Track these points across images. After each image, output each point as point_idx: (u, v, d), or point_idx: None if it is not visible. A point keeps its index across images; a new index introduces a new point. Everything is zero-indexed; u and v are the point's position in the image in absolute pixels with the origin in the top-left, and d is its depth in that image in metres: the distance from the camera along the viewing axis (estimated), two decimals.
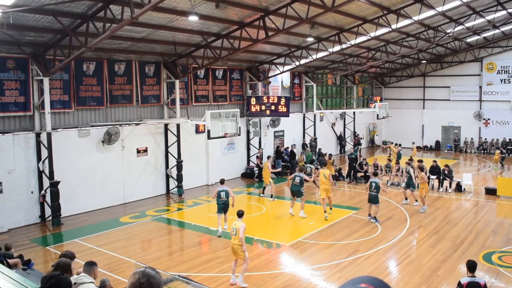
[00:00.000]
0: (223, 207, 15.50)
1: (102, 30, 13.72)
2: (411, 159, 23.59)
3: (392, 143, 31.03)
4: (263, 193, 21.81)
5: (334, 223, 16.82)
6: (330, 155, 25.78)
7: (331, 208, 18.13)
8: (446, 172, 22.29)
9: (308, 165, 20.66)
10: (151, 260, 13.06)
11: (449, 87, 37.34)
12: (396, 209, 18.85)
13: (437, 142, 38.04)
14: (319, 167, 21.15)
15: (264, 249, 14.47)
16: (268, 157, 24.09)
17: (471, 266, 8.63)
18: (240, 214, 11.61)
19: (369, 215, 17.16)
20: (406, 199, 19.87)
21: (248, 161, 27.04)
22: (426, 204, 18.62)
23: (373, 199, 16.98)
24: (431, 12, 20.00)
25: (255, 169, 25.79)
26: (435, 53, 33.90)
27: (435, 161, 23.19)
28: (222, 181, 16.13)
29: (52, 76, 16.90)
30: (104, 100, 19.23)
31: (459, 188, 22.04)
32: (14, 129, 16.60)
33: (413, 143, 32.44)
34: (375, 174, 18.48)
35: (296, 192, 17.84)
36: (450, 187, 22.19)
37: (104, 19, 13.54)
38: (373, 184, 17.07)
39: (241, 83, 26.45)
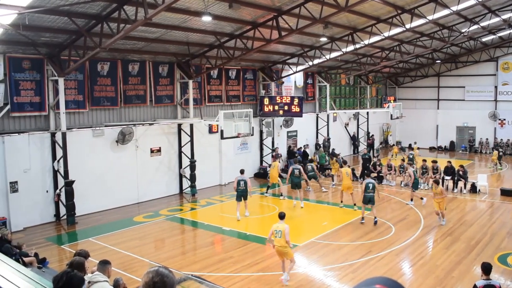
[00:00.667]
0: (241, 195, 17.46)
1: (116, 30, 13.81)
2: (411, 160, 23.56)
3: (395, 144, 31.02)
4: (266, 192, 21.96)
5: (347, 224, 16.76)
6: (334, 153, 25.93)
7: (354, 204, 18.62)
8: (460, 172, 22.07)
9: (296, 165, 20.04)
10: (164, 259, 13.12)
11: (464, 87, 36.97)
12: (410, 210, 18.71)
13: (452, 143, 37.70)
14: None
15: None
16: (273, 156, 24.28)
17: (487, 269, 8.49)
18: (282, 216, 11.53)
19: (363, 218, 16.88)
20: (412, 200, 19.73)
21: (261, 161, 27.04)
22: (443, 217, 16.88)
23: (372, 200, 16.66)
24: (445, 12, 19.81)
25: (268, 169, 25.70)
26: (449, 52, 33.57)
27: (449, 162, 22.99)
28: (242, 171, 18.03)
29: (67, 77, 17.06)
30: (118, 100, 19.36)
31: (474, 189, 21.82)
32: (30, 129, 16.78)
33: (415, 143, 32.43)
34: (368, 175, 18.49)
35: (297, 184, 19.33)
36: (465, 188, 21.98)
37: (118, 20, 13.64)
38: (370, 185, 16.70)
39: (254, 83, 26.46)
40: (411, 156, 27.12)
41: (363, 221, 16.76)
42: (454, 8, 19.40)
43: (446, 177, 22.39)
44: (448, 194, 21.36)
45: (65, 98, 16.95)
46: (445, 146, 38.06)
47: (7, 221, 15.76)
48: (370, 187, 16.69)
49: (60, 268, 11.28)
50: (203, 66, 21.97)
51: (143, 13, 12.59)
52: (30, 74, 16.52)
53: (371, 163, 24.87)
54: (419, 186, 20.43)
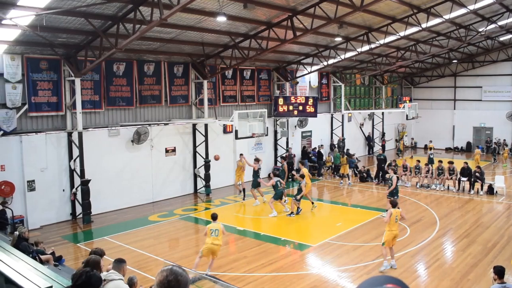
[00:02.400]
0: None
1: (132, 31, 13.92)
2: (395, 164, 23.26)
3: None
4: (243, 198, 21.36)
5: (361, 225, 16.68)
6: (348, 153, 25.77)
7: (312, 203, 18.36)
8: (477, 174, 21.85)
9: (277, 178, 18.97)
10: (178, 258, 13.19)
11: (481, 87, 36.54)
12: (426, 211, 18.55)
13: (468, 144, 37.28)
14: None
15: (291, 250, 14.44)
16: (283, 158, 24.04)
17: (500, 272, 8.36)
18: (214, 217, 11.96)
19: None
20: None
21: (276, 161, 27.03)
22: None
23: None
24: (462, 11, 19.61)
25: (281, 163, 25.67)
26: (466, 52, 33.20)
27: (466, 163, 22.78)
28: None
29: (83, 77, 17.23)
30: (133, 100, 19.51)
31: (490, 191, 21.55)
32: (47, 129, 16.99)
33: (430, 141, 32.30)
34: (383, 176, 18.59)
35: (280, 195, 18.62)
36: (482, 189, 21.73)
37: (134, 21, 13.74)
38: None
39: (269, 83, 26.46)
40: (431, 156, 26.91)
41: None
42: (471, 7, 19.19)
43: (463, 178, 22.18)
44: (464, 196, 21.21)
45: (82, 98, 17.12)
46: (461, 147, 37.66)
47: (24, 219, 15.98)
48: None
49: (76, 266, 11.41)
50: (217, 66, 22.03)
51: (158, 13, 12.67)
52: (47, 75, 16.73)
53: (387, 164, 24.69)
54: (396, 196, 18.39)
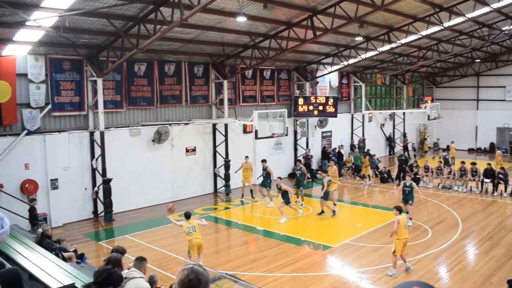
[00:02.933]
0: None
1: (153, 31, 14.04)
2: (416, 165, 23.11)
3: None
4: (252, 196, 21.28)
5: (382, 226, 16.51)
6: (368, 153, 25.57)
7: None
8: (501, 175, 21.47)
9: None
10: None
11: (505, 87, 35.87)
12: (448, 213, 18.32)
13: (492, 144, 36.63)
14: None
15: (311, 250, 14.40)
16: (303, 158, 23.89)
17: None
18: (188, 216, 12.34)
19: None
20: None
21: (295, 161, 26.93)
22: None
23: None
24: (485, 9, 19.30)
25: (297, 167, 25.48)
26: (489, 51, 32.65)
27: (489, 164, 22.41)
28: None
29: (105, 77, 17.44)
30: (154, 100, 19.67)
31: None
32: (70, 128, 17.24)
33: (452, 142, 31.69)
34: (404, 177, 18.35)
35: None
36: (506, 191, 21.35)
37: (154, 21, 13.86)
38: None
39: (289, 83, 26.42)
40: (446, 157, 26.57)
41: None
42: (495, 6, 18.89)
43: (486, 180, 21.83)
44: (488, 198, 20.89)
45: (103, 98, 17.35)
46: (484, 148, 37.06)
47: (47, 217, 16.24)
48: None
49: (98, 263, 11.55)
50: (237, 66, 22.08)
51: (179, 14, 12.76)
52: (70, 75, 16.97)
53: (408, 165, 24.43)
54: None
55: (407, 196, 16.94)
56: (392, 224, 12.28)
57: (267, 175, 19.97)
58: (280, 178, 18.42)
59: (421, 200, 18.55)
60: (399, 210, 12.22)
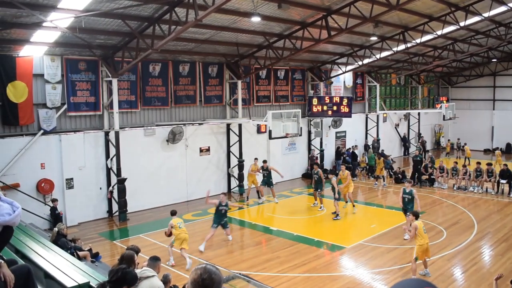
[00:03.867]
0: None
1: (167, 32, 14.11)
2: (431, 166, 22.77)
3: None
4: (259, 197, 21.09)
5: (396, 227, 16.38)
6: (383, 154, 25.20)
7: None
8: None
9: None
10: (212, 257, 13.29)
11: None
12: (463, 214, 18.13)
13: (508, 145, 36.16)
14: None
15: (325, 251, 14.36)
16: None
17: None
18: (173, 213, 13.21)
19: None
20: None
21: (311, 164, 26.85)
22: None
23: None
24: (502, 8, 19.08)
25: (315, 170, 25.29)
26: (506, 51, 32.22)
27: (505, 165, 22.11)
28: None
29: (120, 77, 17.57)
30: (168, 100, 19.77)
31: None
32: (85, 128, 17.40)
33: (465, 144, 31.26)
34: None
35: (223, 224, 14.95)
36: None
37: (169, 22, 13.92)
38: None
39: (303, 83, 26.37)
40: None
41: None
42: None
43: (502, 181, 21.56)
44: (504, 199, 20.64)
45: (118, 98, 17.48)
46: (501, 149, 36.56)
47: (63, 216, 16.39)
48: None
49: (112, 262, 11.63)
50: (252, 66, 22.10)
51: (193, 14, 12.80)
52: (85, 75, 17.13)
53: (423, 165, 24.23)
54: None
55: (407, 205, 15.28)
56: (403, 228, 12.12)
57: (268, 174, 20.08)
58: (224, 194, 16.36)
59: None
60: (416, 215, 11.85)
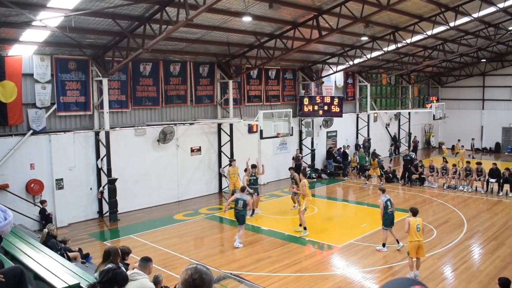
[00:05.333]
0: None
1: (158, 31, 14.06)
2: (421, 165, 22.81)
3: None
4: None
5: None
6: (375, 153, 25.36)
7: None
8: (506, 175, 21.38)
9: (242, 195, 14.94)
10: (203, 257, 13.26)
11: (511, 86, 35.71)
12: (453, 213, 18.25)
13: (497, 144, 36.48)
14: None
15: (316, 250, 14.39)
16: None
17: (505, 284, 8.16)
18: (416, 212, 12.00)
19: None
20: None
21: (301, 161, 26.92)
22: None
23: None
24: (492, 9, 19.24)
25: (307, 169, 25.38)
26: (495, 51, 32.50)
27: (495, 164, 22.29)
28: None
29: (111, 77, 17.48)
30: (159, 100, 19.70)
31: None
32: (75, 128, 17.29)
33: (458, 140, 31.51)
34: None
35: (240, 218, 14.77)
36: (511, 191, 21.25)
37: (160, 21, 13.88)
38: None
39: (294, 83, 26.40)
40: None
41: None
42: (501, 5, 18.82)
43: (491, 180, 21.75)
44: (493, 198, 20.80)
45: (109, 98, 17.37)
46: (490, 148, 36.90)
47: (53, 216, 16.27)
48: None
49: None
50: (243, 66, 22.08)
51: (184, 14, 12.77)
52: (75, 75, 17.02)
53: (413, 164, 24.36)
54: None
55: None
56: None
57: (255, 180, 18.58)
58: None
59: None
60: (413, 212, 11.98)
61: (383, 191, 14.35)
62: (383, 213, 13.86)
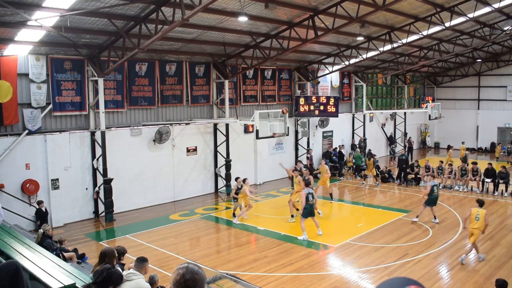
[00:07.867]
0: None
1: (154, 31, 14.04)
2: (417, 165, 22.81)
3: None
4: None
5: (383, 226, 16.52)
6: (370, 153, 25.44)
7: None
8: (502, 175, 21.45)
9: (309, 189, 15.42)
10: (199, 257, 13.25)
11: (506, 86, 35.85)
12: (448, 213, 18.30)
13: (493, 144, 36.61)
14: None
15: (312, 250, 14.38)
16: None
17: (502, 286, 8.19)
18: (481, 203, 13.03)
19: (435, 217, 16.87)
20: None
21: (296, 161, 26.92)
22: None
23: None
24: (487, 9, 19.31)
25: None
26: (491, 51, 32.61)
27: (490, 164, 22.39)
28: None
29: (106, 77, 17.45)
30: (155, 100, 19.67)
31: None
32: (71, 128, 17.24)
33: (463, 142, 31.51)
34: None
35: (313, 211, 15.30)
36: (506, 191, 21.33)
37: (156, 21, 13.86)
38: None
39: (290, 83, 26.41)
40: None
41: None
42: (496, 5, 18.89)
43: (487, 180, 21.82)
44: (488, 198, 20.86)
45: (105, 98, 17.36)
46: (485, 148, 37.02)
47: (48, 217, 16.24)
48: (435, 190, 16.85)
49: None
50: (239, 66, 22.08)
51: (180, 14, 12.76)
52: (71, 75, 16.98)
53: (409, 165, 24.41)
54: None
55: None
56: None
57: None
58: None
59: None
60: (479, 203, 13.08)
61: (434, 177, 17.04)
62: (428, 194, 16.70)
